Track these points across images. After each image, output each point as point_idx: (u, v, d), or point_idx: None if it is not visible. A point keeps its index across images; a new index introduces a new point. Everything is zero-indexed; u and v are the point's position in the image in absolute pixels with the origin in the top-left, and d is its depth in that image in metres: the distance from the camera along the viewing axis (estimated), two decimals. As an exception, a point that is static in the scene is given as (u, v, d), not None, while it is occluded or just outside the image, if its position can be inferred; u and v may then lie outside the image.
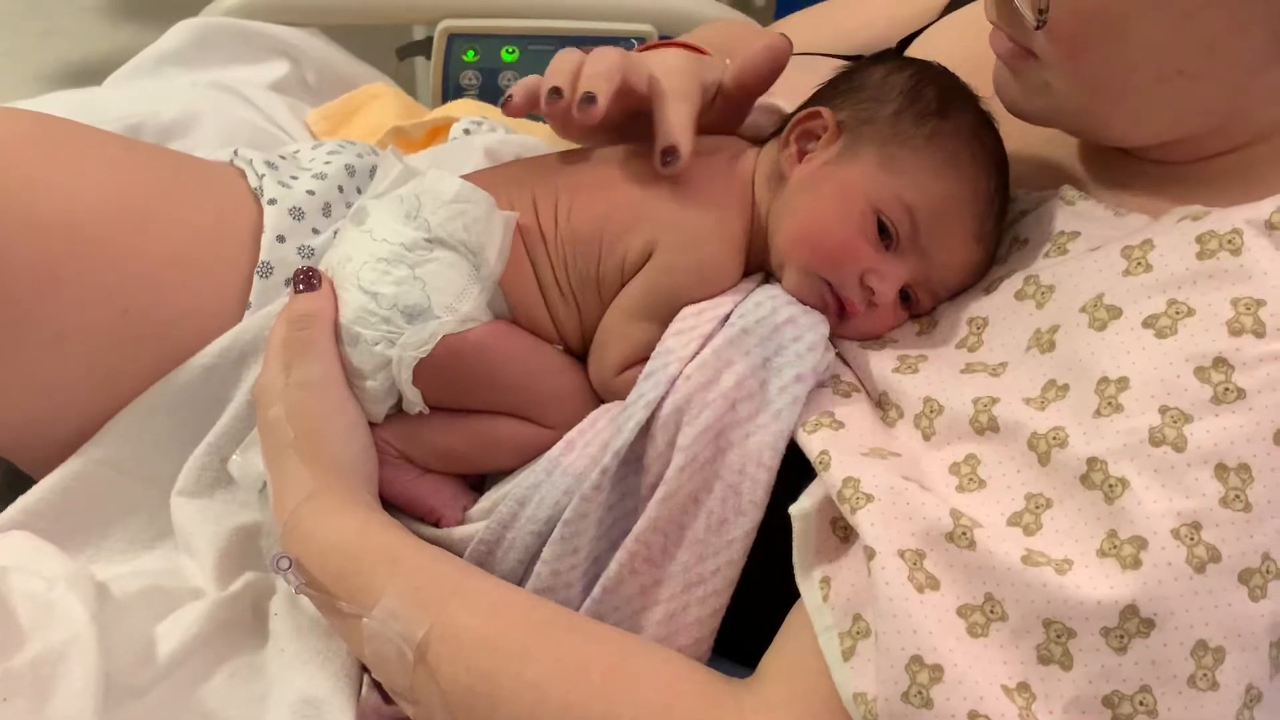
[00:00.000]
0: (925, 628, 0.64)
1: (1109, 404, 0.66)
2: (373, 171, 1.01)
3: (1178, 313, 0.67)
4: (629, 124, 0.84)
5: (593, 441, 0.78)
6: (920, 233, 0.78)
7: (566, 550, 0.76)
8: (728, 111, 0.89)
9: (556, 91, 0.81)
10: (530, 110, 0.84)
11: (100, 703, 0.73)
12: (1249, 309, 0.66)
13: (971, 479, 0.69)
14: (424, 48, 1.52)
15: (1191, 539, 0.62)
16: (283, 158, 1.02)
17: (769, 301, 0.78)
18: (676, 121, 0.81)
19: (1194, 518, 0.62)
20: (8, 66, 2.59)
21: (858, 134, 0.81)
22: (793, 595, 0.72)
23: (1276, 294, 0.66)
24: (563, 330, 0.84)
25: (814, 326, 0.77)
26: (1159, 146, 0.78)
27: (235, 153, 1.01)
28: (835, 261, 0.78)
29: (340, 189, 0.99)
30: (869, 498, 0.67)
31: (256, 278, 0.91)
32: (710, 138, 0.85)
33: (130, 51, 1.36)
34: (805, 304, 0.79)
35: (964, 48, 0.88)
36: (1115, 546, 0.63)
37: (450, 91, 1.46)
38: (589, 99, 0.80)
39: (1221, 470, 0.63)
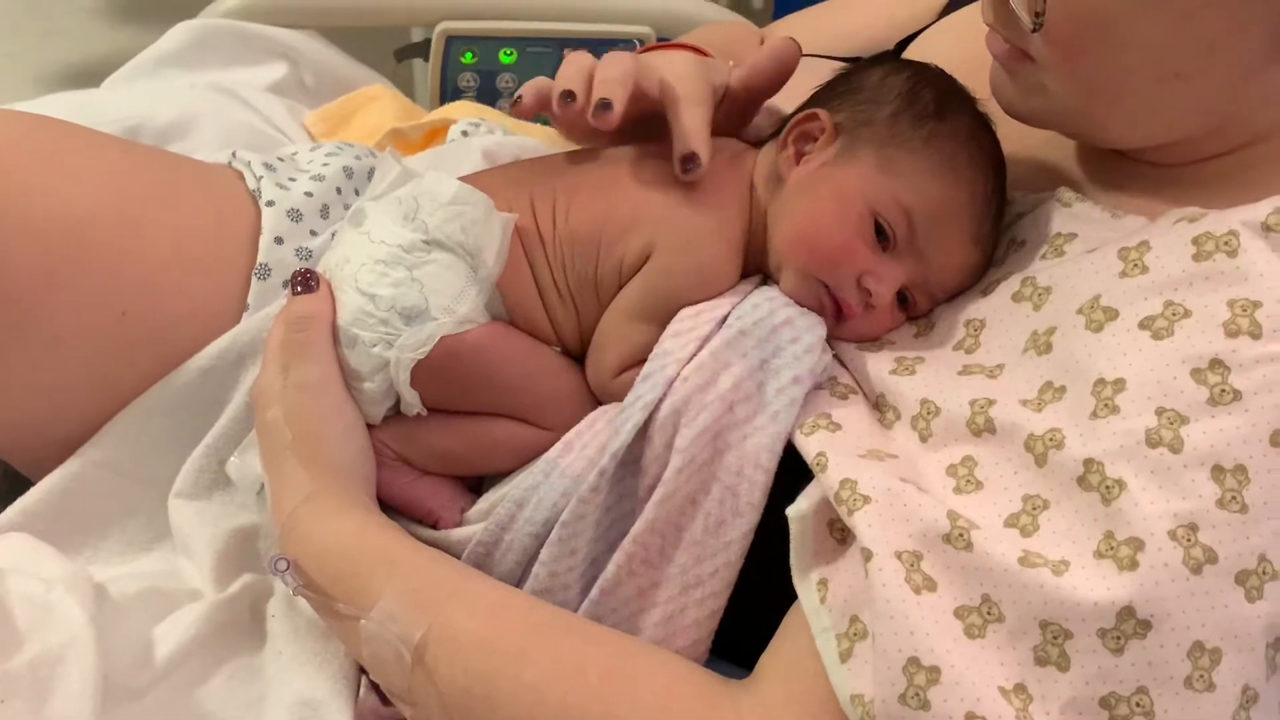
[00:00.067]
0: (922, 629, 0.64)
1: (1106, 405, 0.66)
2: (371, 173, 1.01)
3: (1174, 314, 0.67)
4: (631, 126, 0.85)
5: (590, 443, 0.78)
6: (918, 235, 0.79)
7: (564, 552, 0.76)
8: (733, 115, 0.89)
9: (569, 95, 0.81)
10: (539, 112, 0.84)
11: (98, 704, 0.73)
12: (1245, 310, 0.66)
13: (969, 480, 0.70)
14: (422, 50, 1.52)
15: (1188, 540, 0.62)
16: (281, 159, 1.02)
17: (766, 303, 0.78)
18: (693, 128, 0.81)
19: (1191, 519, 0.62)
20: (6, 67, 2.59)
21: (855, 136, 0.81)
22: (790, 597, 0.72)
23: (1273, 295, 0.66)
24: (560, 332, 0.84)
25: (811, 328, 0.77)
26: (1155, 149, 0.78)
27: (233, 154, 1.01)
28: (832, 263, 0.78)
29: (338, 191, 0.99)
30: (866, 499, 0.67)
31: (254, 279, 0.91)
32: (711, 138, 0.85)
33: (129, 53, 1.36)
34: (803, 306, 0.79)
35: (962, 49, 0.88)
36: (1112, 548, 0.63)
37: (448, 93, 1.46)
38: (605, 105, 0.80)
39: (1218, 472, 0.63)
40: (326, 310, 0.81)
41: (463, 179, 0.84)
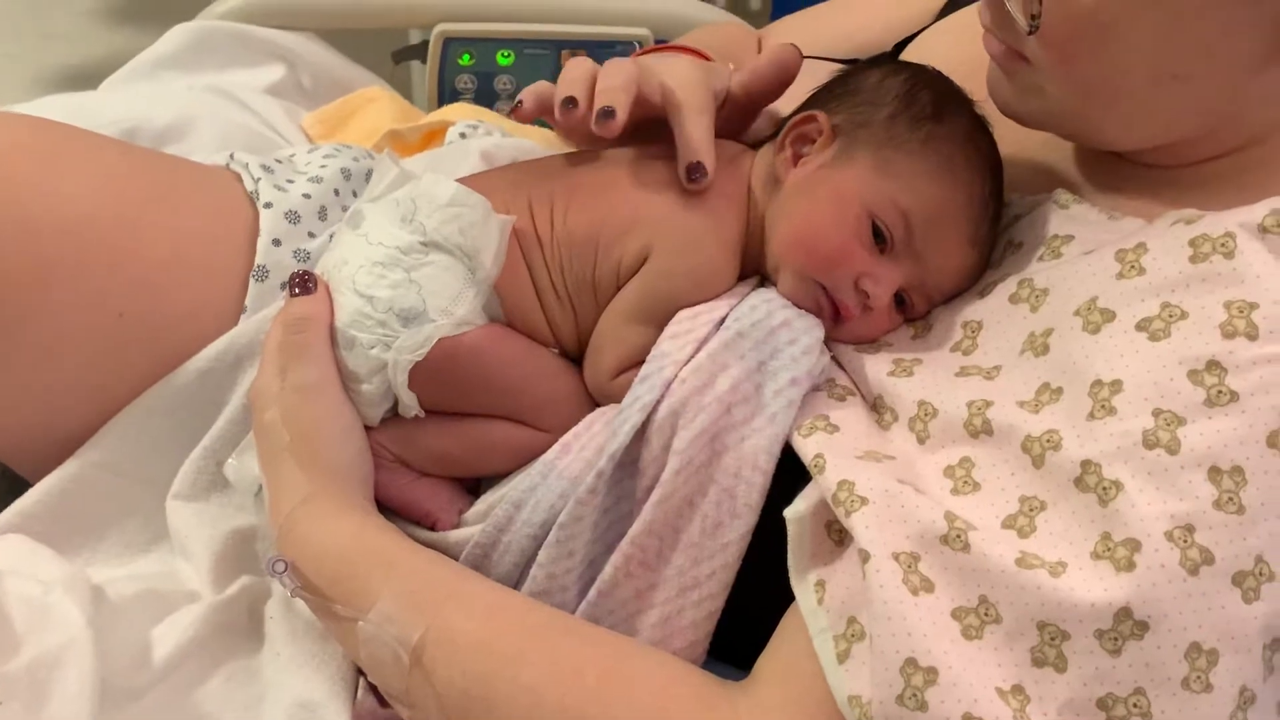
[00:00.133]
0: (920, 630, 0.64)
1: (1102, 407, 0.66)
2: (368, 175, 1.01)
3: (1171, 316, 0.67)
4: (630, 129, 0.85)
5: (588, 445, 0.79)
6: (915, 237, 0.79)
7: (562, 553, 0.76)
8: (733, 119, 0.89)
9: (571, 101, 0.81)
10: (539, 117, 0.84)
11: (96, 706, 0.73)
12: (1242, 312, 0.66)
13: (966, 482, 0.70)
14: (420, 51, 1.52)
15: (1185, 541, 0.62)
16: (279, 161, 1.02)
17: (764, 305, 0.79)
18: (698, 137, 0.81)
19: (1187, 520, 0.62)
20: (4, 69, 2.59)
21: (853, 138, 0.81)
22: (788, 598, 0.72)
23: (1269, 297, 0.66)
24: (558, 333, 0.84)
25: (809, 330, 0.77)
26: (1152, 150, 0.78)
27: (231, 156, 1.01)
28: (830, 265, 0.79)
29: (336, 193, 0.99)
30: (864, 501, 0.67)
31: (252, 281, 0.91)
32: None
33: (126, 55, 1.36)
34: (800, 308, 0.79)
35: (959, 51, 0.88)
36: (1109, 549, 0.63)
37: (446, 95, 1.46)
38: (608, 113, 0.80)
39: (1215, 473, 0.63)
40: (324, 312, 0.81)
41: (460, 181, 0.84)
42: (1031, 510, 0.67)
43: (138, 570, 0.88)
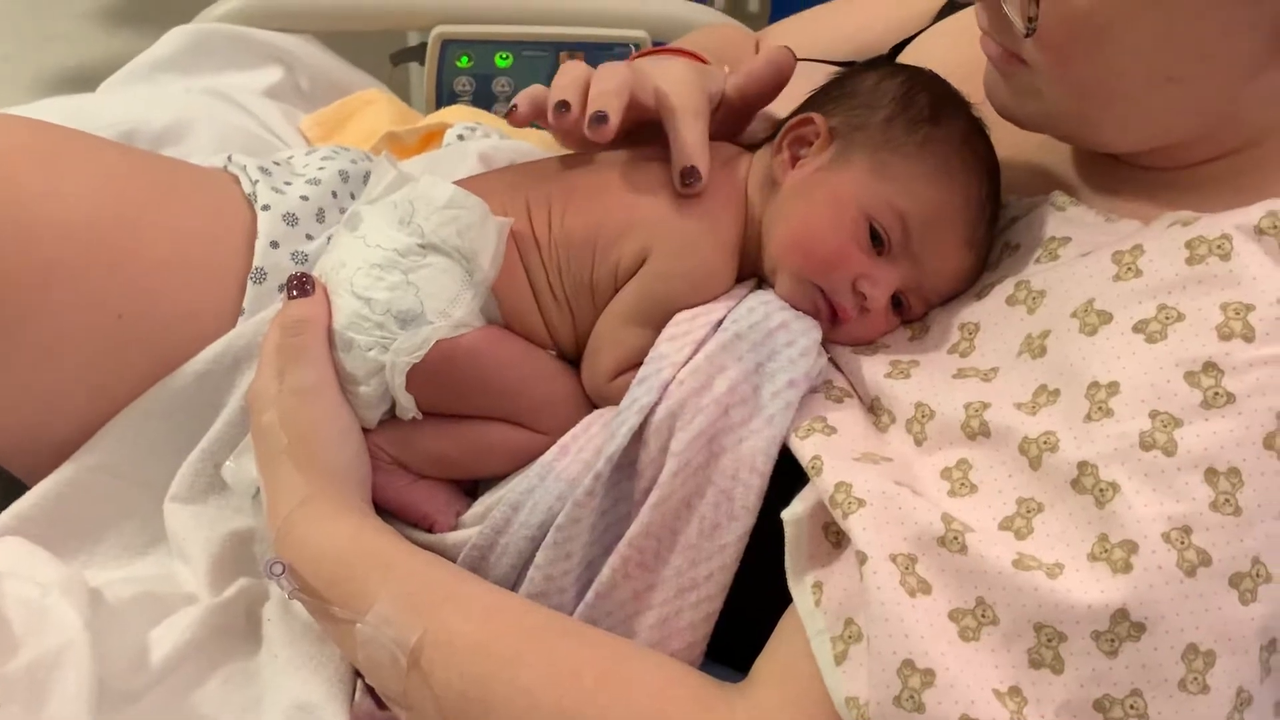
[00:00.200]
0: (917, 632, 0.64)
1: (1099, 409, 0.66)
2: (366, 177, 1.01)
3: (1168, 318, 0.67)
4: (627, 131, 0.85)
5: (586, 447, 0.79)
6: (912, 239, 0.79)
7: (560, 555, 0.76)
8: (728, 122, 0.89)
9: (564, 105, 0.82)
10: (534, 120, 0.84)
11: (94, 708, 0.73)
12: (1238, 314, 0.66)
13: (963, 484, 0.70)
14: (418, 54, 1.52)
15: (1182, 543, 0.62)
16: (276, 164, 1.02)
17: (762, 307, 0.79)
18: (692, 140, 0.81)
19: (1184, 522, 0.63)
20: (3, 71, 2.59)
21: (850, 140, 0.81)
22: (785, 600, 0.72)
23: (1265, 299, 0.66)
24: (556, 335, 0.84)
25: (806, 332, 0.78)
26: (1149, 152, 0.78)
27: (229, 159, 1.01)
28: (827, 267, 0.79)
29: (334, 195, 0.99)
30: (861, 502, 0.68)
31: (250, 283, 0.91)
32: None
33: (124, 57, 1.36)
34: (798, 310, 0.79)
35: (956, 54, 0.89)
36: (1106, 550, 0.63)
37: (444, 97, 1.46)
38: (601, 118, 0.80)
39: (1211, 474, 0.63)
40: (322, 314, 0.81)
41: (458, 183, 0.84)
42: (1029, 512, 0.67)
43: (135, 573, 0.88)
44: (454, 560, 0.79)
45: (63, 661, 0.74)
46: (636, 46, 1.43)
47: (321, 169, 1.01)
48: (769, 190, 0.83)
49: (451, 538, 0.80)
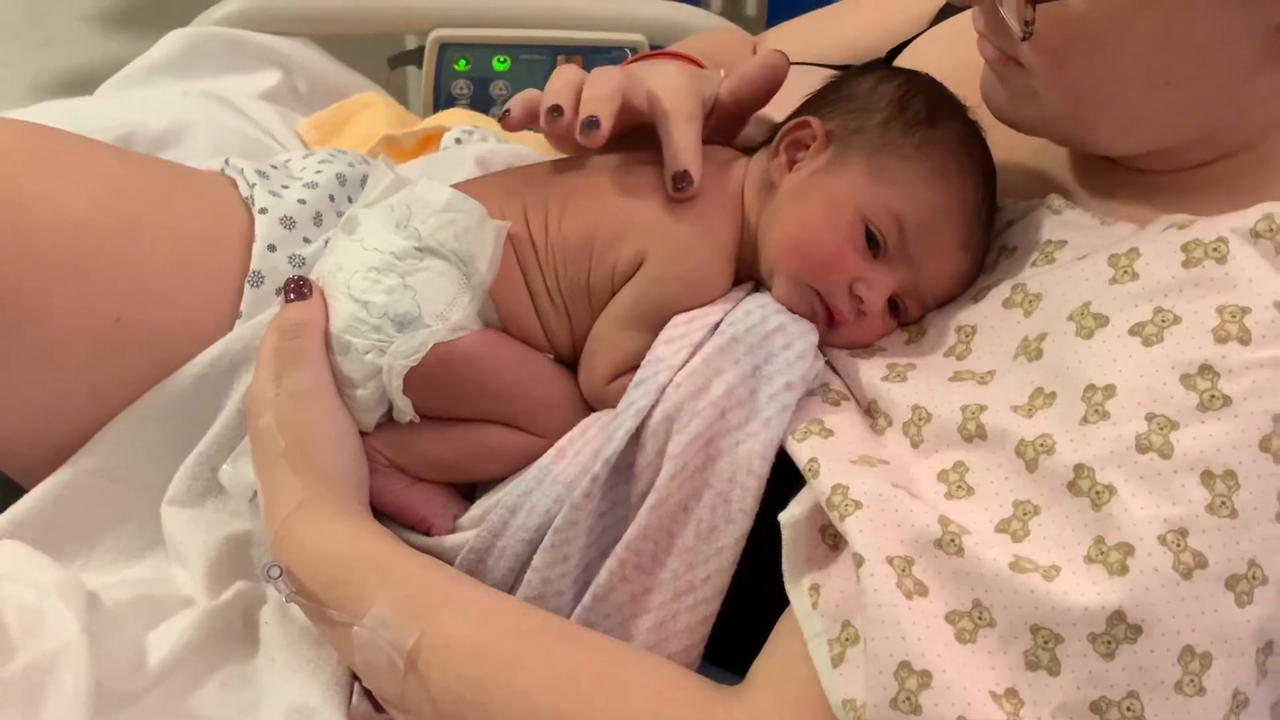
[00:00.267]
0: (914, 634, 0.64)
1: (1096, 411, 0.66)
2: (364, 181, 1.01)
3: (1164, 321, 0.68)
4: (623, 134, 0.85)
5: (583, 450, 0.79)
6: (908, 242, 0.79)
7: (557, 558, 0.76)
8: (723, 125, 0.89)
9: (557, 109, 0.82)
10: (528, 124, 0.84)
11: (91, 711, 0.73)
12: (1234, 317, 0.66)
13: (960, 486, 0.70)
14: (415, 57, 1.52)
15: (1178, 545, 0.62)
16: (274, 167, 1.02)
17: (759, 310, 0.79)
18: (684, 145, 0.81)
19: (1180, 524, 0.63)
20: (0, 75, 2.59)
21: (847, 143, 0.81)
22: (782, 602, 0.72)
23: (1261, 302, 0.66)
24: (553, 339, 0.84)
25: (803, 335, 0.78)
26: (1145, 156, 0.78)
27: (226, 162, 1.01)
28: (824, 270, 0.79)
29: (331, 198, 0.99)
30: (858, 505, 0.68)
31: (247, 287, 0.91)
32: (702, 147, 0.85)
33: (122, 61, 1.36)
34: (795, 312, 0.79)
35: (952, 58, 0.89)
36: (1102, 553, 0.63)
37: (442, 101, 1.46)
38: (592, 123, 0.80)
39: (1208, 477, 0.63)
40: (319, 317, 0.81)
41: (455, 186, 0.85)
42: (1025, 514, 0.67)
43: (132, 576, 0.88)
44: (451, 563, 0.79)
45: (60, 664, 0.74)
46: (634, 50, 1.43)
47: (319, 172, 1.01)
48: (766, 193, 0.84)
49: (449, 540, 0.80)
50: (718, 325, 0.78)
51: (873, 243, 0.79)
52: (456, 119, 1.30)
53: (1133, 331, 0.68)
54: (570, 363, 0.84)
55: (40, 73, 2.57)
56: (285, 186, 0.98)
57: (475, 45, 1.45)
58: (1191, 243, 0.69)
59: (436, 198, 0.82)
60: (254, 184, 0.96)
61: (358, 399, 0.81)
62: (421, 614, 0.72)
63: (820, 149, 0.82)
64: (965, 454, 0.71)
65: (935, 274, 0.80)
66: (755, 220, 0.83)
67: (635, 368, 0.78)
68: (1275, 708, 0.67)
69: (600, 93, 0.81)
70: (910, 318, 0.82)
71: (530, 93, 0.85)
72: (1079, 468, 0.65)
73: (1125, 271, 0.71)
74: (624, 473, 0.76)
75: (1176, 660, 0.62)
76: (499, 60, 1.45)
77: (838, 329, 0.80)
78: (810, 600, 0.70)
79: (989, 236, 0.82)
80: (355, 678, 0.78)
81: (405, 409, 0.80)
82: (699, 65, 0.92)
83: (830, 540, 0.71)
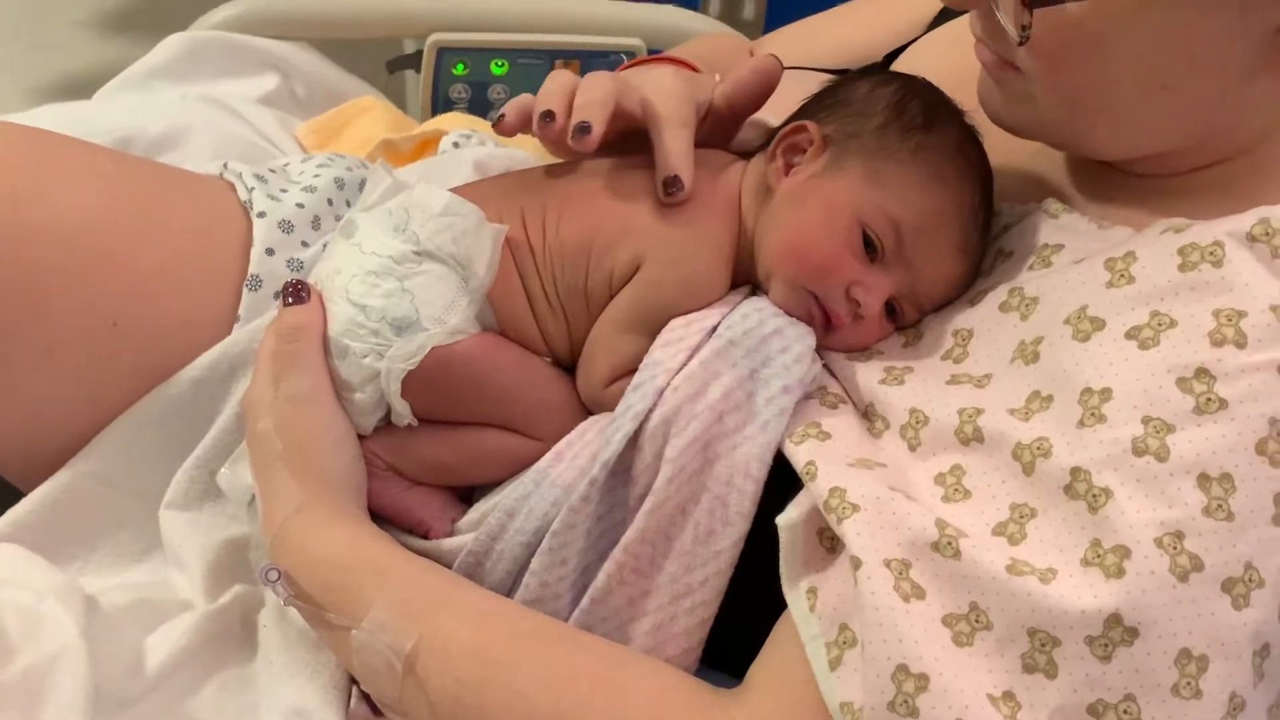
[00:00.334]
0: (911, 637, 0.64)
1: (1092, 414, 0.67)
2: (362, 185, 1.01)
3: (1160, 324, 0.68)
4: (618, 139, 0.85)
5: (581, 453, 0.79)
6: (905, 246, 0.79)
7: (555, 561, 0.76)
8: (717, 130, 0.89)
9: (549, 115, 0.82)
10: (522, 129, 0.84)
11: (90, 715, 0.73)
12: (1230, 320, 0.66)
13: (957, 489, 0.70)
14: (414, 61, 1.52)
15: (1174, 548, 0.62)
16: (272, 171, 1.02)
17: (756, 313, 0.79)
18: (676, 150, 0.82)
19: (1177, 527, 0.63)
20: (-1, 79, 2.59)
21: (843, 148, 0.81)
22: (780, 605, 0.72)
23: (1257, 305, 0.66)
24: (551, 342, 0.84)
25: (801, 338, 0.78)
26: (1142, 160, 0.78)
27: (225, 166, 1.01)
28: (821, 274, 0.79)
29: (329, 202, 0.99)
30: (855, 508, 0.68)
31: (246, 290, 0.91)
32: (698, 151, 0.85)
33: (120, 65, 1.36)
34: (792, 316, 0.79)
35: (949, 62, 0.89)
36: (1099, 556, 0.63)
37: (440, 105, 1.46)
38: (584, 129, 0.80)
39: (1204, 480, 0.63)
40: (317, 321, 0.81)
41: (454, 190, 0.85)
42: (1022, 517, 0.67)
43: (130, 580, 0.88)
44: (450, 566, 0.79)
45: (58, 668, 0.74)
46: (631, 55, 1.43)
47: (317, 176, 1.01)
48: (763, 197, 0.84)
49: (447, 544, 0.80)
50: (715, 329, 0.78)
51: (870, 247, 0.79)
52: (454, 123, 1.30)
53: (1129, 335, 0.68)
54: (568, 366, 0.84)
55: (38, 77, 2.57)
56: (284, 190, 0.98)
57: (473, 49, 1.45)
58: (1188, 246, 0.69)
59: (435, 202, 0.82)
60: (252, 188, 0.96)
61: (356, 402, 0.81)
62: (420, 617, 0.72)
63: (817, 153, 0.82)
64: (962, 457, 0.71)
65: (932, 278, 0.80)
66: (752, 224, 0.83)
67: (633, 371, 0.78)
68: (1272, 710, 0.67)
69: (592, 98, 0.82)
70: (907, 321, 0.82)
71: (524, 98, 0.85)
72: (1076, 471, 0.65)
73: (1122, 275, 0.71)
74: (622, 476, 0.76)
75: (1173, 663, 0.62)
76: (497, 64, 1.45)
77: (835, 332, 0.80)
78: (808, 603, 0.70)
79: (986, 240, 0.82)
80: (353, 681, 0.78)
81: (403, 412, 0.80)
82: (693, 70, 0.93)
83: (828, 543, 0.71)
